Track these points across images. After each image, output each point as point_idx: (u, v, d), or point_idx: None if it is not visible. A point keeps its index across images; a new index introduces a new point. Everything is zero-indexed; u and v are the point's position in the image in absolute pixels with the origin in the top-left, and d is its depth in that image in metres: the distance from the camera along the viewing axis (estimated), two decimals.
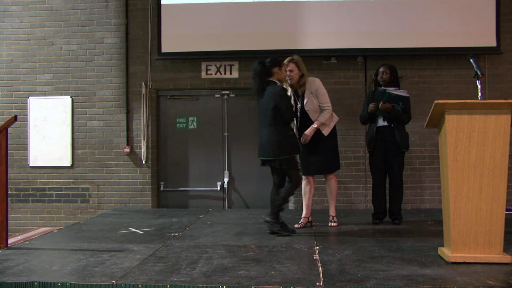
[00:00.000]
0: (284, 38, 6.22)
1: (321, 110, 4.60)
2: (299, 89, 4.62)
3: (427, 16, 6.12)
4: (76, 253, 3.69)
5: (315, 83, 4.60)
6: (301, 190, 4.82)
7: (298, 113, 4.62)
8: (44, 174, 6.58)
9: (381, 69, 4.90)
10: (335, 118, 4.74)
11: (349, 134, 6.21)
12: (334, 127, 4.71)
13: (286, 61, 4.55)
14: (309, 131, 4.56)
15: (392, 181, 4.94)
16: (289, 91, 4.66)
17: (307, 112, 4.58)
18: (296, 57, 4.60)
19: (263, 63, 4.37)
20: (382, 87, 4.81)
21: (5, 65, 6.64)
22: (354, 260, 3.39)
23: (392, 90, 4.75)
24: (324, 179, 4.86)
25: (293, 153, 4.32)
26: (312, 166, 4.68)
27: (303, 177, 4.76)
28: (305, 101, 4.58)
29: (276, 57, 4.43)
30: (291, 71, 4.55)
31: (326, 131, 4.62)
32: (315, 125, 4.56)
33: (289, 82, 4.61)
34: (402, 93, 4.76)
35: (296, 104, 4.64)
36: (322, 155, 4.63)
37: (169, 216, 5.60)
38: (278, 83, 4.37)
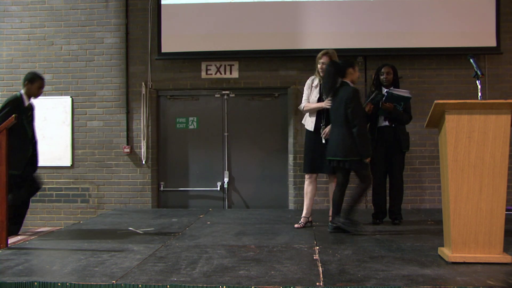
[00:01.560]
0: (284, 38, 6.23)
1: None
2: None
3: (427, 16, 6.13)
4: (76, 253, 3.69)
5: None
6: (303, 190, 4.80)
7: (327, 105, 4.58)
8: (44, 174, 6.56)
9: (384, 70, 4.89)
10: None
11: None
12: None
13: (320, 54, 4.66)
14: (329, 128, 4.56)
15: (392, 181, 4.94)
16: (316, 81, 4.71)
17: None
18: (330, 51, 4.67)
19: (337, 64, 4.43)
20: (389, 89, 4.80)
21: (5, 65, 6.64)
22: (354, 260, 3.39)
23: (394, 90, 4.75)
24: (325, 179, 4.85)
25: (364, 155, 4.31)
26: (319, 165, 4.66)
27: (306, 176, 4.76)
28: None
29: (349, 58, 4.49)
30: (323, 63, 4.61)
31: None
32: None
33: (321, 74, 4.66)
34: (404, 93, 4.76)
35: (321, 94, 4.65)
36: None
37: (169, 216, 5.61)
38: (351, 84, 4.41)
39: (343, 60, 4.53)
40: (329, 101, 4.50)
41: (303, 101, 4.78)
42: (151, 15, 6.48)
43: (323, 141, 4.58)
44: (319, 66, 4.66)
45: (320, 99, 4.65)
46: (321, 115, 4.63)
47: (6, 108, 4.54)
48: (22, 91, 4.71)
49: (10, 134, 4.08)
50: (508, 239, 3.43)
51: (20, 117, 4.53)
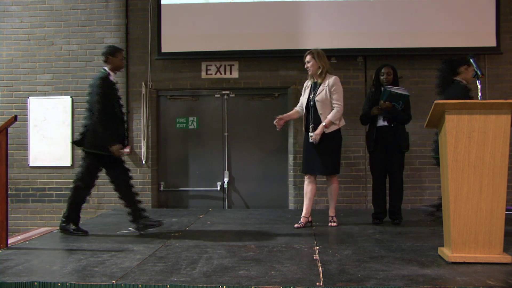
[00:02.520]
0: (284, 38, 6.23)
1: (332, 107, 4.61)
2: (318, 80, 4.68)
3: (427, 16, 6.12)
4: (76, 253, 3.69)
5: (332, 79, 4.66)
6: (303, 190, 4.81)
7: (311, 103, 4.65)
8: (44, 174, 6.57)
9: (385, 70, 4.89)
10: (342, 123, 4.73)
11: (349, 134, 6.20)
12: (340, 132, 4.70)
13: (306, 53, 4.72)
14: (318, 131, 4.58)
15: (392, 181, 4.94)
16: (309, 82, 4.76)
17: (316, 103, 4.60)
18: (314, 50, 4.70)
19: (450, 61, 4.42)
20: (386, 87, 4.81)
21: (5, 65, 6.64)
22: (354, 260, 3.39)
23: (391, 88, 4.75)
24: (325, 179, 4.86)
25: None
26: (311, 166, 4.68)
27: (305, 176, 4.77)
28: (317, 92, 4.61)
29: (463, 56, 4.40)
30: (307, 62, 4.67)
31: (330, 129, 4.61)
32: (323, 123, 4.58)
33: (309, 72, 4.72)
34: (402, 90, 4.76)
35: (309, 94, 4.69)
36: (323, 156, 4.62)
37: (169, 216, 5.60)
38: (462, 82, 4.38)
39: (457, 58, 4.48)
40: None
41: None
42: (151, 15, 6.48)
43: (310, 140, 4.63)
44: (305, 65, 4.73)
45: (308, 100, 4.67)
46: (309, 116, 4.66)
47: (101, 89, 4.36)
48: (106, 67, 4.49)
49: (102, 116, 4.21)
50: (508, 239, 3.43)
51: (110, 95, 4.40)
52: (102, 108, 4.32)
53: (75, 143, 4.57)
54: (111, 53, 4.52)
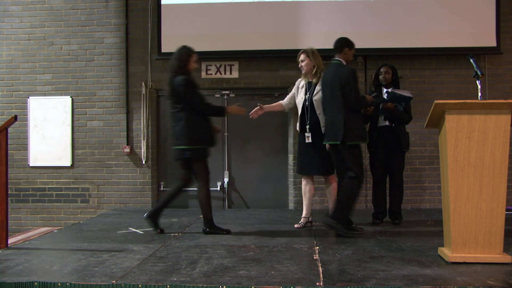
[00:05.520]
0: (284, 38, 6.23)
1: None
2: (312, 80, 4.66)
3: (427, 16, 6.13)
4: (76, 253, 3.69)
5: None
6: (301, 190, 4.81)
7: (307, 103, 4.63)
8: (44, 174, 6.58)
9: (383, 69, 4.90)
10: None
11: None
12: None
13: (299, 52, 4.69)
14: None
15: (392, 181, 4.94)
16: (303, 82, 4.73)
17: (314, 102, 4.59)
18: (308, 49, 4.68)
19: None
20: (390, 89, 4.81)
21: (5, 65, 6.64)
22: (354, 260, 3.39)
23: (397, 91, 4.75)
24: (323, 179, 4.86)
25: None
26: (308, 166, 4.67)
27: (303, 176, 4.77)
28: (314, 92, 4.60)
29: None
30: (302, 61, 4.65)
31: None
32: None
33: (302, 72, 4.70)
34: (406, 93, 4.76)
35: (305, 94, 4.66)
36: (321, 156, 4.62)
37: (169, 216, 5.60)
38: None
39: None
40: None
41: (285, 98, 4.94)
42: (151, 15, 6.48)
43: (307, 141, 4.62)
44: (299, 65, 4.70)
45: (305, 101, 4.65)
46: (305, 117, 4.65)
47: (356, 80, 4.30)
48: (339, 58, 4.42)
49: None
50: (508, 239, 3.43)
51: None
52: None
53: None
54: (349, 45, 4.44)
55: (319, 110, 4.58)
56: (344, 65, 4.39)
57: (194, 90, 4.36)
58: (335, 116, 4.32)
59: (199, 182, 4.46)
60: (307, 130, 4.62)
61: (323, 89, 4.49)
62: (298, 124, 4.78)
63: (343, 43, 4.45)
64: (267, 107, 4.86)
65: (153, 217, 4.51)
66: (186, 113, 4.35)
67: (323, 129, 4.57)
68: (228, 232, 4.44)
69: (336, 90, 4.30)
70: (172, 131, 4.48)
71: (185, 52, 4.44)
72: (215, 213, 5.88)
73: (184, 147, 4.34)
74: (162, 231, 4.50)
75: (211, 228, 4.44)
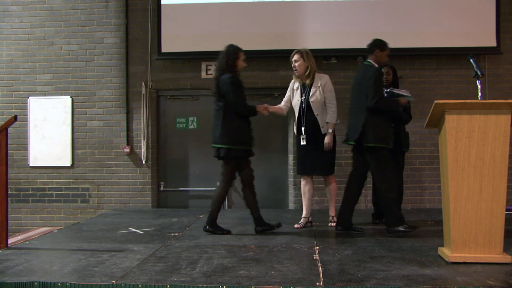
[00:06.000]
0: (284, 38, 6.22)
1: (326, 107, 4.59)
2: (306, 81, 4.64)
3: (427, 16, 6.12)
4: (76, 253, 3.69)
5: (324, 78, 4.65)
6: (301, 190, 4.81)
7: (303, 105, 4.62)
8: (44, 174, 6.57)
9: (384, 70, 4.89)
10: (337, 121, 4.73)
11: None
12: (334, 132, 4.70)
13: (292, 53, 4.64)
14: (328, 139, 4.57)
15: None
16: (297, 83, 4.70)
17: (311, 104, 4.58)
18: (303, 49, 4.65)
19: None
20: (389, 89, 4.81)
21: (5, 65, 6.64)
22: (354, 260, 3.39)
23: (395, 90, 4.75)
24: (322, 179, 4.86)
25: None
26: (307, 166, 4.67)
27: (302, 177, 4.77)
28: (310, 93, 4.59)
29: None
30: (295, 61, 4.60)
31: (325, 129, 4.61)
32: (330, 130, 4.58)
33: (295, 73, 4.66)
34: (405, 93, 4.76)
35: (300, 96, 4.65)
36: (320, 157, 4.61)
37: (169, 216, 5.60)
38: None
39: None
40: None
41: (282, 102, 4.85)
42: (151, 15, 6.48)
43: (302, 143, 4.62)
44: (292, 65, 4.66)
45: (301, 103, 4.64)
46: (301, 118, 4.64)
47: (379, 81, 4.26)
48: (370, 60, 4.37)
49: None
50: (508, 239, 3.43)
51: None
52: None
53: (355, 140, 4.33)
54: (380, 46, 4.38)
55: (317, 112, 4.57)
56: (372, 67, 4.32)
57: (238, 89, 4.31)
58: (357, 117, 4.30)
59: (221, 181, 4.51)
60: (302, 132, 4.61)
61: (351, 90, 4.48)
62: (295, 126, 4.77)
63: (374, 45, 4.40)
64: (273, 108, 4.75)
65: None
66: (228, 112, 4.32)
67: (322, 130, 4.57)
68: (228, 232, 4.44)
69: (362, 91, 4.27)
70: (212, 129, 4.46)
71: (233, 50, 4.41)
72: None
73: (220, 146, 4.34)
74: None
75: (212, 226, 4.44)
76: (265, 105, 4.67)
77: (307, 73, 4.60)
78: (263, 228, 4.45)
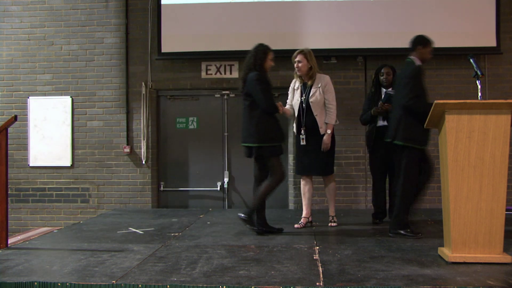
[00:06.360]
0: (284, 38, 6.22)
1: (326, 107, 4.59)
2: (308, 81, 4.63)
3: (427, 16, 6.12)
4: (76, 253, 3.70)
5: (325, 79, 4.63)
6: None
7: (303, 105, 4.61)
8: (44, 174, 6.57)
9: (384, 70, 4.90)
10: (337, 121, 4.73)
11: (349, 134, 6.20)
12: (333, 132, 4.69)
13: (295, 53, 4.61)
14: (326, 139, 4.56)
15: (391, 181, 4.93)
16: (297, 83, 4.69)
17: (311, 104, 4.57)
18: (306, 49, 4.64)
19: None
20: (387, 90, 4.81)
21: (5, 65, 6.64)
22: (354, 260, 3.39)
23: (392, 91, 4.74)
24: (322, 179, 4.86)
25: None
26: (307, 167, 4.67)
27: (301, 177, 4.77)
28: (310, 93, 4.58)
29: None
30: (299, 62, 4.59)
31: (323, 130, 4.60)
32: (329, 131, 4.56)
33: (297, 73, 4.65)
34: None
35: (301, 96, 4.64)
36: (319, 157, 4.61)
37: (169, 216, 5.60)
38: None
39: None
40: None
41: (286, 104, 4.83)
42: (151, 15, 6.48)
43: (301, 143, 4.61)
44: (294, 65, 4.63)
45: (301, 103, 4.63)
46: (301, 118, 4.64)
47: (416, 79, 4.09)
48: (413, 57, 4.21)
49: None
50: (508, 239, 3.43)
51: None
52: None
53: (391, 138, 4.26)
54: (423, 43, 4.21)
55: (316, 112, 4.56)
56: (412, 63, 4.20)
57: (265, 87, 4.28)
58: (395, 114, 4.25)
59: (272, 177, 4.41)
60: (302, 132, 4.61)
61: (395, 88, 4.45)
62: (294, 125, 4.76)
63: (416, 42, 4.26)
64: (284, 109, 4.66)
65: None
66: (257, 110, 4.31)
67: (321, 130, 4.56)
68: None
69: (399, 89, 4.22)
70: (242, 127, 4.44)
71: (262, 50, 4.40)
72: (215, 213, 5.90)
73: (254, 145, 4.34)
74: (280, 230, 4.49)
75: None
76: (280, 103, 4.62)
77: (310, 74, 4.60)
78: (251, 225, 4.44)
